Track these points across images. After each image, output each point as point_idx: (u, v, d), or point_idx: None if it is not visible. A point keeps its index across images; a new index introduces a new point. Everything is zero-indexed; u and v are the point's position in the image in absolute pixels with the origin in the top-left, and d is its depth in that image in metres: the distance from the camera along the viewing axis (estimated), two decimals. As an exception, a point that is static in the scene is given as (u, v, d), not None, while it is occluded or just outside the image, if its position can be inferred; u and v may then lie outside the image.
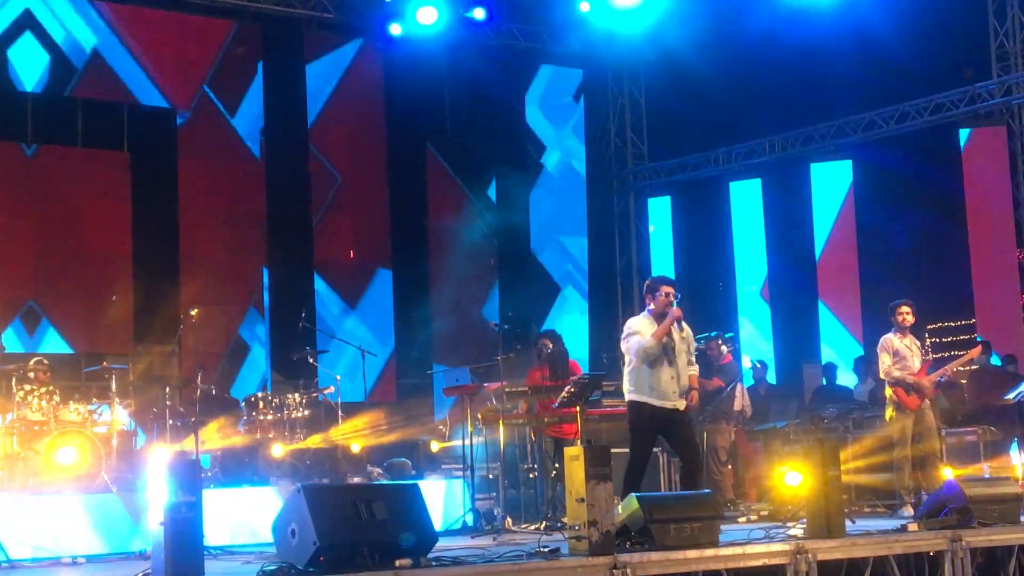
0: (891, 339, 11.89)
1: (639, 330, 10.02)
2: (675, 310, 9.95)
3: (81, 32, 16.09)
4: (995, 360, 15.52)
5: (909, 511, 11.23)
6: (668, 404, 9.95)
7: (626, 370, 10.18)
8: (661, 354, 9.93)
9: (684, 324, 10.21)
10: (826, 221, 18.68)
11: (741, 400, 14.42)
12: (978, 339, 15.88)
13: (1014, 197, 17.15)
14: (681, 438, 10.11)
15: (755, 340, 19.18)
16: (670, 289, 10.09)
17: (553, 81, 20.21)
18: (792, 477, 10.43)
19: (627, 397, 10.17)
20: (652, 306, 10.10)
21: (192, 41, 16.92)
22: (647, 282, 10.47)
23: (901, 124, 17.62)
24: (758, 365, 16.50)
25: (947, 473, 11.73)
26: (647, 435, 10.08)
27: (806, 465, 9.26)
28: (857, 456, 12.69)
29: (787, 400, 16.45)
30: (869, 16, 16.67)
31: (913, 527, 9.49)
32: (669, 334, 9.99)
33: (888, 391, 11.88)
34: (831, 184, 18.68)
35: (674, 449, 10.43)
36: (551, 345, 12.26)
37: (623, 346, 10.18)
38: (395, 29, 17.58)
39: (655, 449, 10.78)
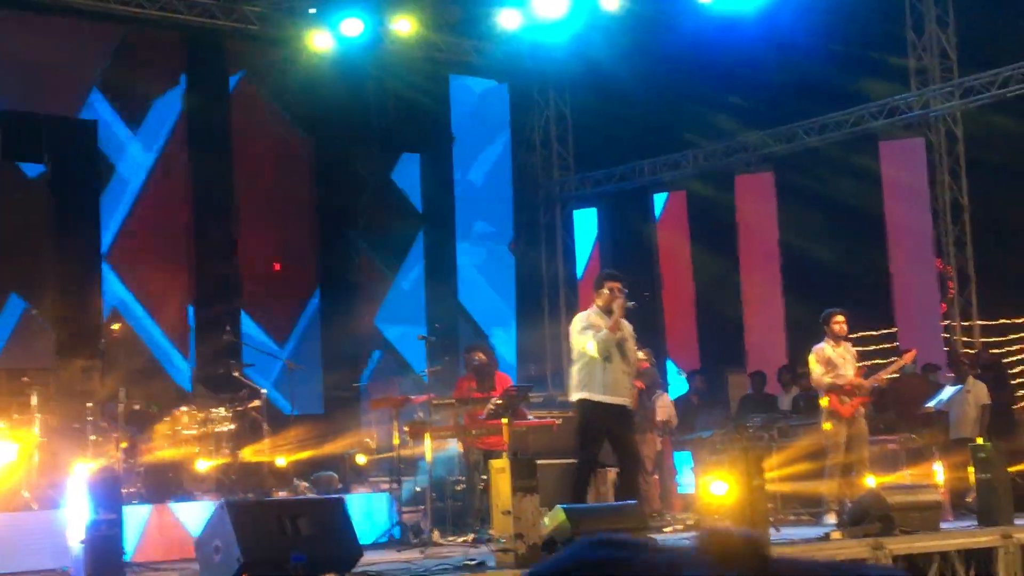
0: (824, 348, 11.99)
1: (595, 323, 9.99)
2: (620, 300, 9.94)
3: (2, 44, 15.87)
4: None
5: (833, 519, 11.35)
6: (619, 400, 9.95)
7: (575, 368, 10.13)
8: (615, 348, 9.95)
9: (628, 325, 10.23)
10: (749, 232, 18.83)
11: (667, 411, 14.53)
12: (899, 348, 16.11)
13: (932, 208, 17.42)
14: (620, 440, 10.13)
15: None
16: (616, 284, 10.08)
17: (478, 93, 20.23)
18: (718, 486, 10.50)
19: (575, 396, 10.10)
20: (599, 302, 10.11)
21: (79, 46, 16.64)
22: (594, 279, 10.49)
23: (822, 135, 17.83)
24: (684, 375, 16.62)
25: (870, 481, 11.87)
26: (594, 435, 10.05)
27: (731, 474, 9.33)
28: (782, 465, 12.82)
29: (712, 409, 16.59)
30: (790, 29, 16.87)
31: (836, 535, 9.60)
32: (621, 328, 10.02)
33: (823, 401, 11.98)
34: (754, 195, 18.83)
35: (615, 450, 10.41)
36: (480, 357, 12.25)
37: (575, 340, 10.08)
38: (320, 41, 17.51)
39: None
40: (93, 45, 16.60)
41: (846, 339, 12.22)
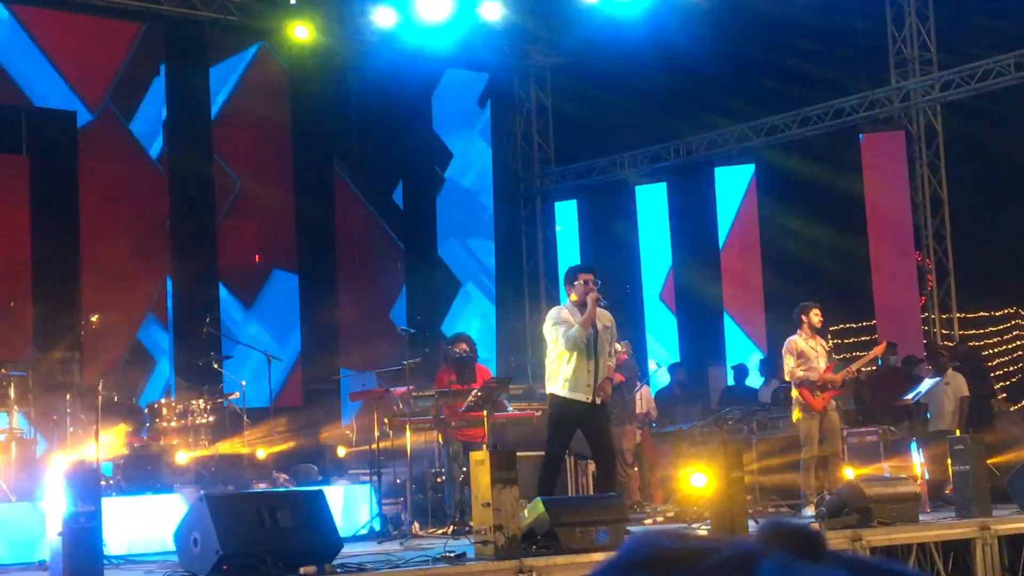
0: (796, 341, 12.04)
1: (566, 319, 9.95)
2: (594, 293, 9.92)
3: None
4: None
5: (812, 511, 11.39)
6: (580, 397, 9.89)
7: (547, 360, 10.15)
8: (583, 345, 9.93)
9: (609, 315, 10.22)
10: (729, 224, 18.88)
11: (646, 403, 14.56)
12: (879, 341, 16.16)
13: (912, 201, 17.48)
14: (594, 435, 10.11)
15: (658, 343, 19.38)
16: (588, 276, 10.03)
17: (459, 85, 20.20)
18: (697, 478, 10.52)
19: (547, 390, 10.16)
20: (573, 296, 10.10)
21: (96, 43, 16.65)
22: (566, 273, 10.45)
23: (803, 128, 17.87)
24: (660, 368, 16.62)
25: (848, 473, 11.92)
26: (562, 430, 10.03)
27: (711, 467, 9.34)
28: (761, 457, 12.86)
29: (693, 402, 16.62)
30: (771, 22, 16.90)
31: (814, 527, 9.62)
32: (592, 325, 10.01)
33: (794, 392, 12.03)
34: (734, 187, 18.89)
35: (589, 443, 10.41)
36: (464, 349, 12.23)
37: (547, 334, 10.05)
38: (300, 32, 17.47)
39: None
40: (73, 35, 16.52)
41: (820, 333, 12.26)
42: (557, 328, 9.93)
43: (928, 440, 13.62)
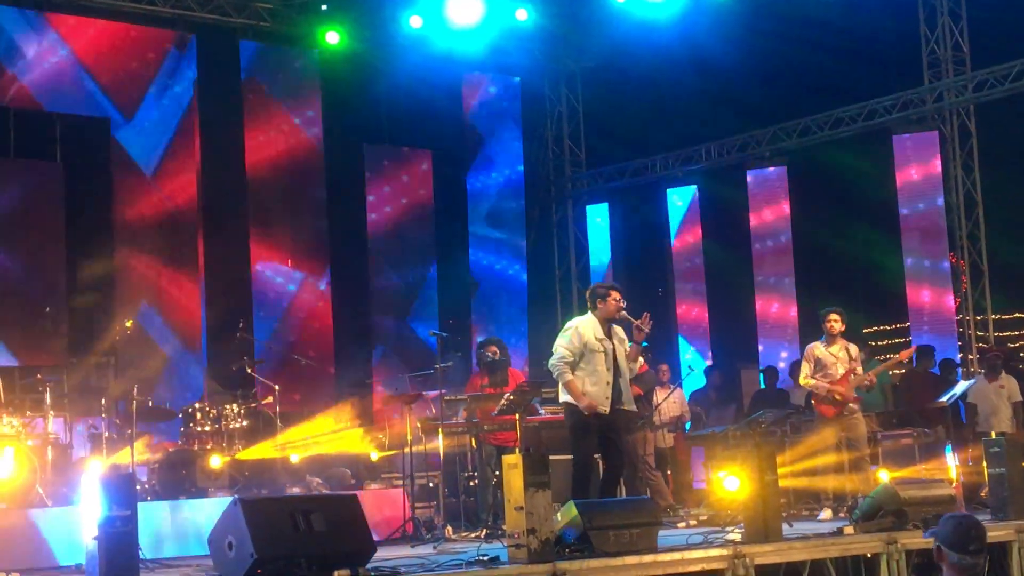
0: (814, 348, 11.97)
1: (586, 335, 9.99)
2: (624, 312, 9.96)
3: (15, 41, 15.87)
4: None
5: (829, 515, 11.42)
6: (601, 409, 9.94)
7: None
8: (602, 357, 9.95)
9: (620, 328, 10.23)
10: (760, 226, 18.80)
11: (680, 406, 14.53)
12: (913, 343, 16.10)
13: (946, 202, 17.37)
14: (610, 441, 10.10)
15: (690, 346, 19.36)
16: (619, 295, 10.11)
17: (490, 88, 20.20)
18: (730, 482, 10.49)
19: (562, 398, 10.15)
20: (599, 314, 10.10)
21: (132, 50, 16.73)
22: (593, 287, 10.45)
23: (835, 130, 17.80)
24: (690, 369, 16.61)
25: (883, 475, 11.86)
26: (589, 434, 10.03)
27: (744, 470, 9.32)
28: (794, 460, 12.81)
29: (726, 405, 16.58)
30: (803, 23, 16.84)
31: (849, 530, 9.58)
32: (608, 338, 10.01)
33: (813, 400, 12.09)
34: (767, 189, 18.80)
35: (602, 453, 10.41)
36: (494, 353, 12.24)
37: (563, 345, 10.06)
38: (332, 38, 17.53)
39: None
40: (105, 42, 16.59)
41: (844, 338, 12.10)
42: (571, 345, 9.98)
43: (975, 443, 13.54)
